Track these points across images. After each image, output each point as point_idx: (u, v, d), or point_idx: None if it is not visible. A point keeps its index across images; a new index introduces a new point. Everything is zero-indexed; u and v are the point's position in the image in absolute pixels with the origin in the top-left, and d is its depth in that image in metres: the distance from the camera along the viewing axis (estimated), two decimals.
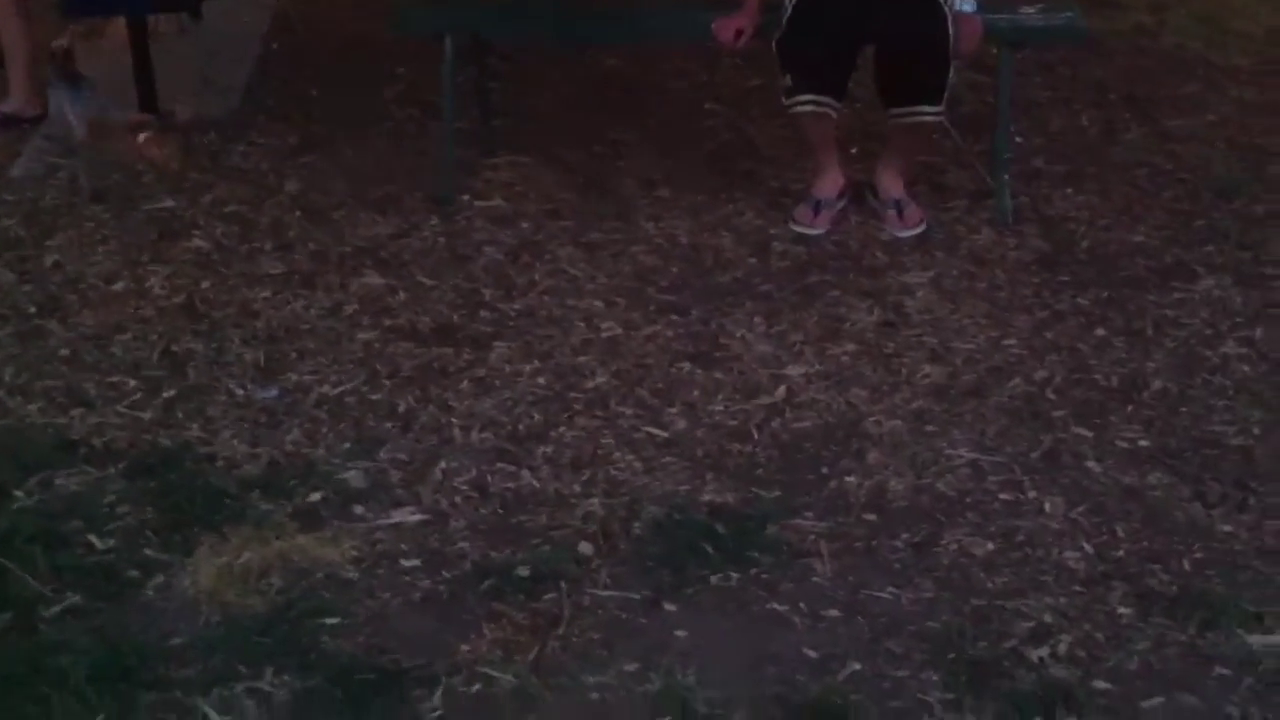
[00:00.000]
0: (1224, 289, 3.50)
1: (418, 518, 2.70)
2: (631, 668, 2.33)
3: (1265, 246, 3.70)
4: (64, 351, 3.25)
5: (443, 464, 2.86)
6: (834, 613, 2.47)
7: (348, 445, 2.92)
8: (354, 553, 2.59)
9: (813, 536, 2.65)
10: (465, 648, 2.37)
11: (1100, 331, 3.33)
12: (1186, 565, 2.56)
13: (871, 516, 2.71)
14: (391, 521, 2.69)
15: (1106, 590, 2.50)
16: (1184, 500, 2.74)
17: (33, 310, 3.44)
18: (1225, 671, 2.32)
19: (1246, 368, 3.18)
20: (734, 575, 2.55)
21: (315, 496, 2.75)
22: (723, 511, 2.72)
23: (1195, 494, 2.75)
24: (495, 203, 3.95)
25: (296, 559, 2.55)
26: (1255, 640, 2.38)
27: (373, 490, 2.78)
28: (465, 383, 3.15)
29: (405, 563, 2.58)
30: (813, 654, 2.37)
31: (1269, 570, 2.55)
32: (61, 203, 3.98)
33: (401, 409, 3.04)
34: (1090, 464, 2.84)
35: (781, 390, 3.11)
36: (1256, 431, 2.95)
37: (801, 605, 2.48)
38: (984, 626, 2.43)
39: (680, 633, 2.42)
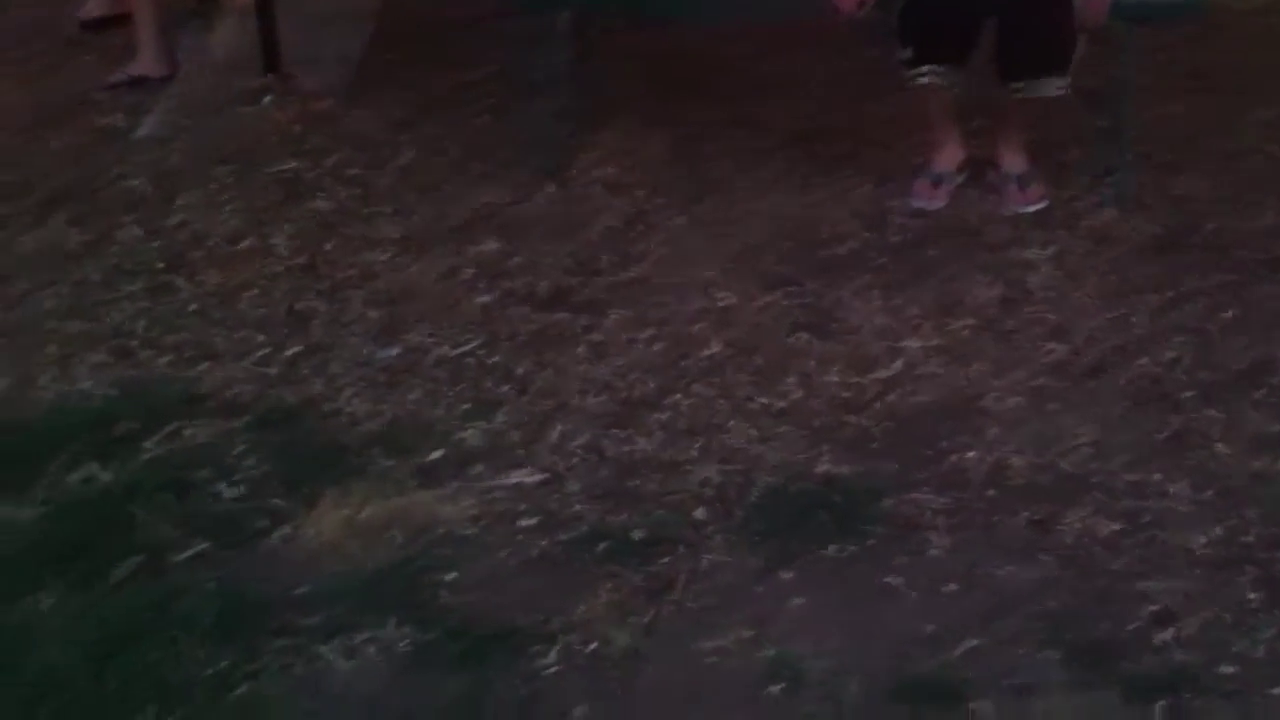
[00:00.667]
0: None
1: (535, 479, 2.71)
2: (745, 634, 2.32)
3: None
4: (192, 307, 3.31)
5: (559, 427, 2.86)
6: (951, 588, 2.43)
7: (466, 406, 2.93)
8: (472, 511, 2.60)
9: (929, 511, 2.60)
10: (581, 608, 2.37)
11: (1227, 314, 3.23)
12: None
13: (991, 493, 2.66)
14: (510, 482, 2.69)
15: (1234, 575, 2.43)
16: None
17: (161, 266, 3.50)
18: None
19: None
20: (849, 547, 2.52)
21: (435, 455, 2.77)
22: (838, 482, 2.69)
23: None
24: (608, 171, 3.94)
25: (416, 515, 2.57)
26: None
27: (491, 451, 2.79)
28: (581, 348, 3.14)
29: (522, 523, 2.59)
30: (928, 628, 2.33)
31: None
32: (188, 163, 4.04)
33: (519, 372, 3.05)
34: (1219, 447, 2.76)
35: (898, 363, 3.06)
36: None
37: (917, 579, 2.44)
38: (1106, 608, 2.37)
39: (794, 601, 2.40)
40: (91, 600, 2.37)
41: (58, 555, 2.45)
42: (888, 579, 2.44)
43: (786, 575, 2.45)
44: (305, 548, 2.51)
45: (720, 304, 3.30)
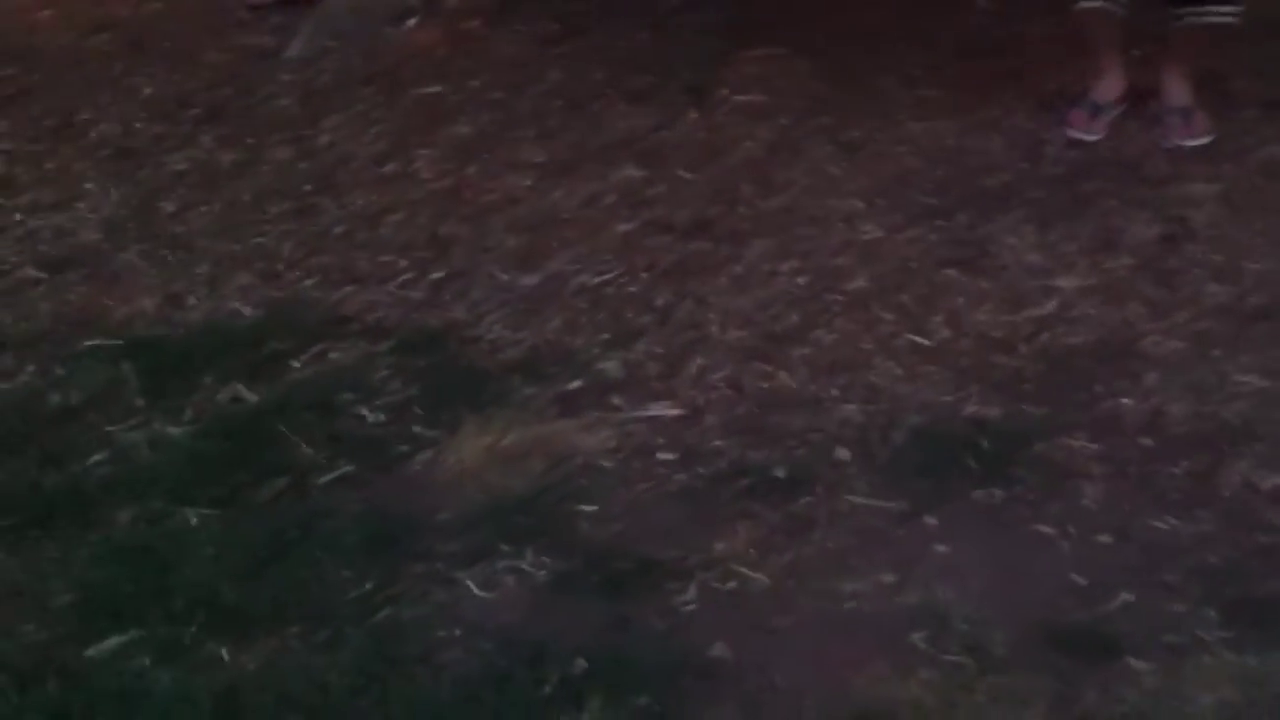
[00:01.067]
0: None
1: (674, 412, 2.66)
2: (888, 579, 2.25)
3: None
4: (337, 229, 3.32)
5: (699, 360, 2.80)
6: (1104, 539, 2.32)
7: (606, 336, 2.89)
8: (611, 443, 2.57)
9: (1082, 458, 2.50)
10: (719, 545, 2.33)
11: None
12: None
13: (1147, 441, 2.54)
14: (649, 414, 2.65)
15: None
16: None
17: (308, 189, 3.51)
18: None
19: None
20: (997, 492, 2.42)
21: (574, 384, 2.74)
22: (986, 425, 2.59)
23: None
24: (753, 97, 3.83)
25: (556, 445, 2.55)
26: None
27: (630, 381, 2.75)
28: (722, 279, 3.07)
29: (661, 456, 2.55)
30: (1080, 580, 2.24)
31: None
32: (335, 83, 4.04)
33: (659, 302, 3.00)
34: None
35: (1052, 303, 2.93)
36: None
37: (1069, 529, 2.34)
38: (1269, 564, 2.25)
39: (939, 547, 2.32)
40: (238, 518, 2.39)
41: (207, 473, 2.48)
42: (1038, 527, 2.35)
43: (931, 520, 2.37)
44: (447, 473, 2.50)
45: (865, 237, 3.20)
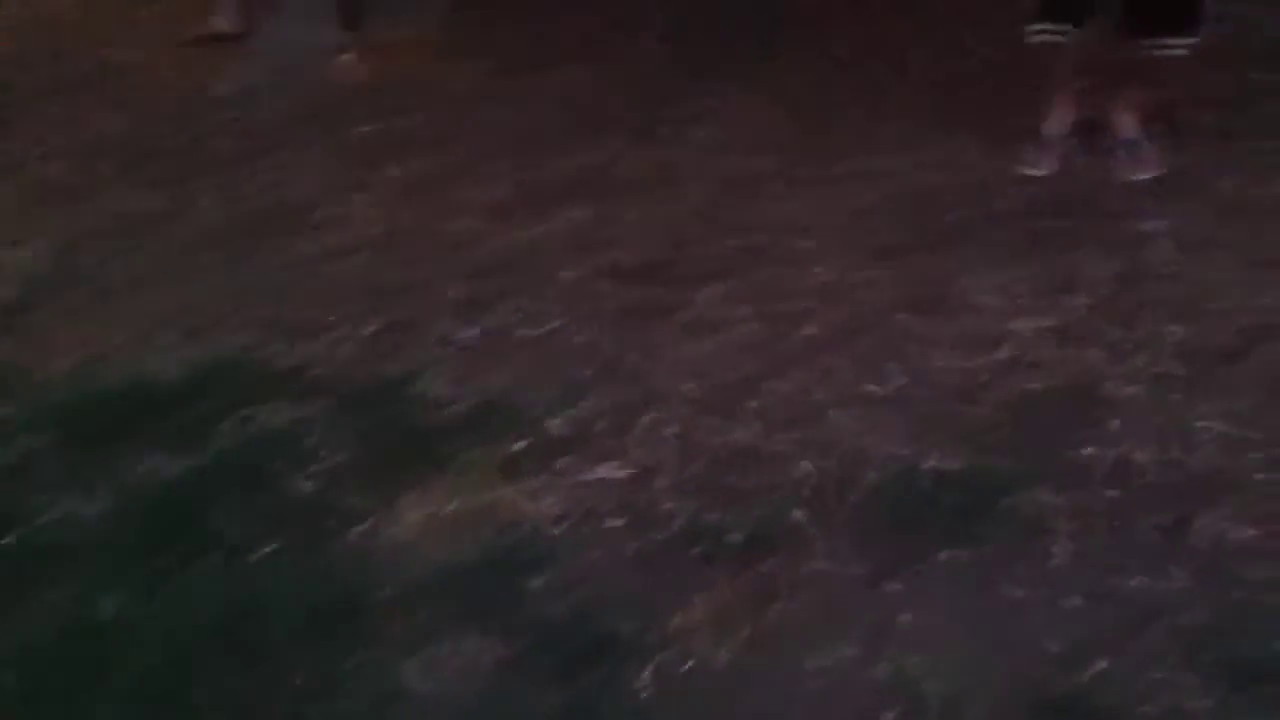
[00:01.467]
0: None
1: (624, 473, 2.53)
2: (854, 652, 2.13)
3: None
4: (269, 280, 3.16)
5: (649, 415, 2.67)
6: (1076, 601, 2.21)
7: (551, 391, 2.75)
8: (558, 509, 2.43)
9: (1050, 512, 2.39)
10: (676, 619, 2.19)
11: None
12: None
13: (1114, 492, 2.43)
14: (597, 476, 2.52)
15: None
16: None
17: (239, 236, 3.35)
18: None
19: None
20: (963, 553, 2.31)
21: (519, 445, 2.60)
22: (948, 479, 2.48)
23: None
24: (705, 134, 3.72)
25: (502, 512, 2.41)
26: None
27: (577, 440, 2.61)
28: (672, 326, 2.95)
29: (612, 522, 2.41)
30: (1054, 646, 2.13)
31: None
32: (268, 123, 3.89)
33: (607, 353, 2.87)
34: None
35: (1011, 346, 2.83)
36: None
37: (1040, 590, 2.23)
38: (1247, 623, 2.15)
39: (906, 615, 2.20)
40: (160, 606, 2.23)
41: (125, 556, 2.31)
42: (1008, 590, 2.24)
43: (896, 586, 2.25)
44: (386, 545, 2.35)
45: (819, 279, 3.09)
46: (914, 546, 2.32)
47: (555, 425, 2.65)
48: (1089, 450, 2.53)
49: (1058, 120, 3.52)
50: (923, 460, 2.53)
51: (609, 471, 2.53)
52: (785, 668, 2.10)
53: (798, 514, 2.40)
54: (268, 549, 2.35)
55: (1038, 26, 3.35)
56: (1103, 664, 2.09)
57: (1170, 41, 3.33)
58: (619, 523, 2.41)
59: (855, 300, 3.01)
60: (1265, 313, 2.89)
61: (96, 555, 2.30)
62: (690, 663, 2.11)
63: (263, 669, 2.09)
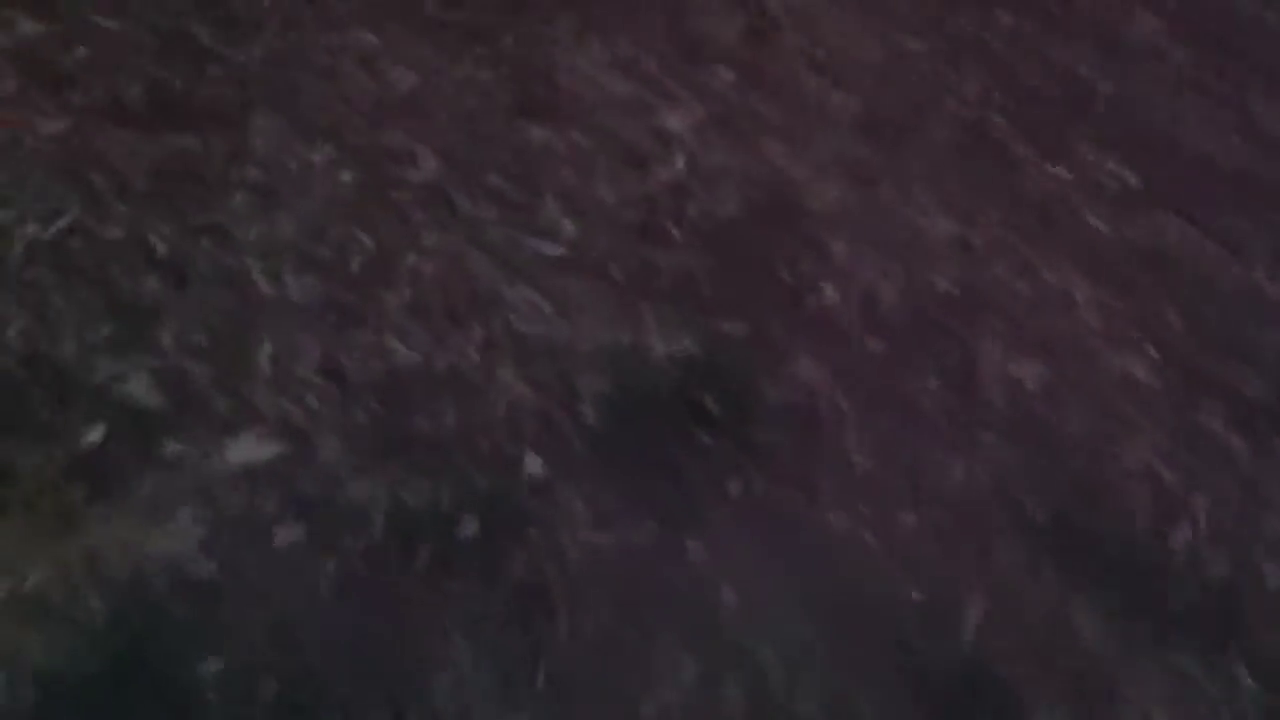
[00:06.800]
0: None
1: (272, 450, 1.74)
2: (686, 665, 1.58)
3: None
4: None
5: (267, 346, 1.86)
6: (907, 518, 1.79)
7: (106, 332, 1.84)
8: (201, 532, 1.62)
9: (821, 386, 1.91)
10: (432, 689, 1.53)
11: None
12: None
13: (870, 340, 2.00)
14: (240, 460, 1.71)
15: None
16: None
17: None
18: None
19: None
20: (751, 481, 1.80)
21: (93, 435, 1.71)
22: (694, 367, 1.93)
23: None
24: None
25: (116, 561, 1.56)
26: None
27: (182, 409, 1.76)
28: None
29: (284, 536, 1.65)
30: (919, 594, 1.70)
31: None
32: None
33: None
34: None
35: (677, 159, 2.26)
36: None
37: (862, 510, 1.78)
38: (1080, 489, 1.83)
39: (726, 590, 1.67)
40: None
41: None
42: (825, 516, 1.76)
43: (695, 546, 1.71)
44: None
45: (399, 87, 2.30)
46: (689, 480, 1.77)
47: (136, 390, 1.77)
48: (826, 288, 2.07)
49: None
50: (647, 343, 1.94)
51: (250, 449, 1.73)
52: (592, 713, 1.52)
53: (531, 463, 1.76)
54: None
55: None
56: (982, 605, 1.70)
57: None
58: (295, 537, 1.65)
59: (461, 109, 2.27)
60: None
61: None
62: None
63: None
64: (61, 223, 1.85)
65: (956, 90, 2.44)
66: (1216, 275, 2.21)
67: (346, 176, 2.07)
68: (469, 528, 1.65)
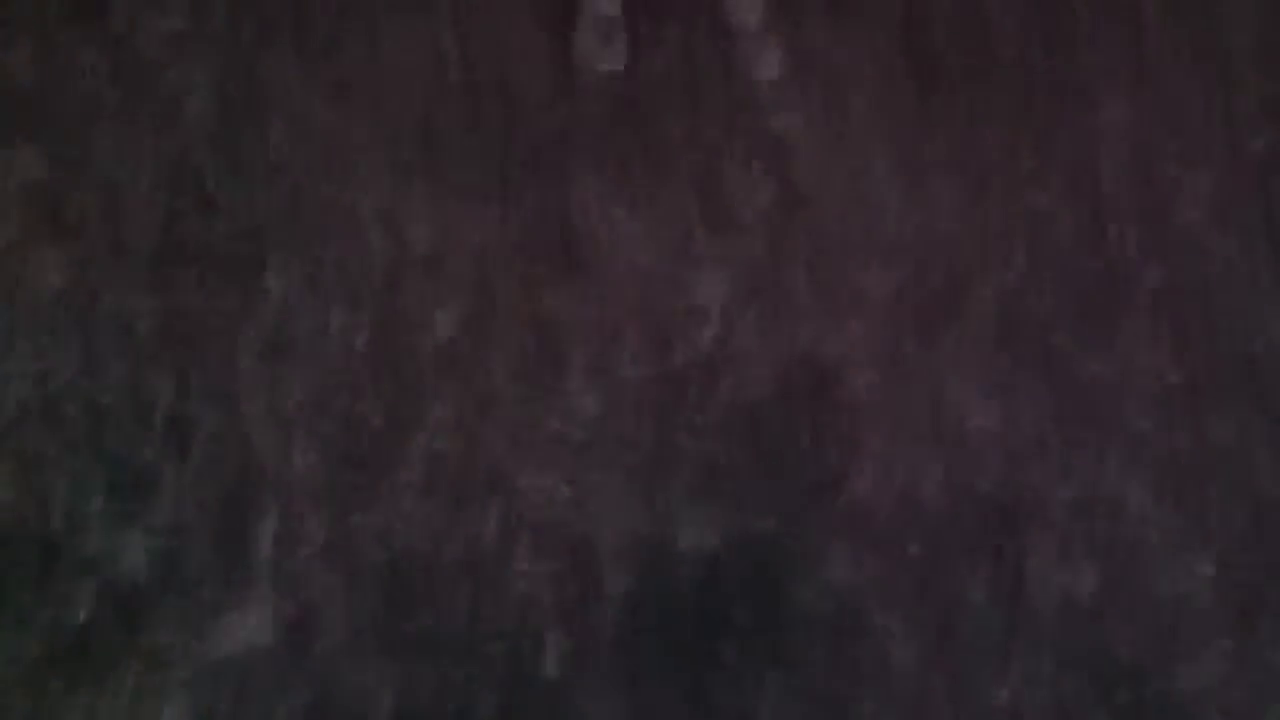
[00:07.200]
0: None
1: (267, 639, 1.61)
2: None
3: None
4: None
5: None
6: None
7: None
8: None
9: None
10: None
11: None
12: None
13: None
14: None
15: None
16: None
17: None
18: None
19: None
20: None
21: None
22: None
23: None
24: None
25: None
26: None
27: None
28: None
29: None
30: None
31: None
32: None
33: None
34: None
35: (712, 322, 2.17)
36: None
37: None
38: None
39: None
40: None
41: None
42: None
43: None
44: None
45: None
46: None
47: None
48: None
49: None
50: (666, 532, 1.83)
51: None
52: None
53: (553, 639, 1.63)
54: None
55: None
56: None
57: None
58: None
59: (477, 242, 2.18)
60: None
61: None
62: None
63: None
64: (55, 382, 1.74)
65: (997, 271, 2.37)
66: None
67: (360, 341, 1.97)
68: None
